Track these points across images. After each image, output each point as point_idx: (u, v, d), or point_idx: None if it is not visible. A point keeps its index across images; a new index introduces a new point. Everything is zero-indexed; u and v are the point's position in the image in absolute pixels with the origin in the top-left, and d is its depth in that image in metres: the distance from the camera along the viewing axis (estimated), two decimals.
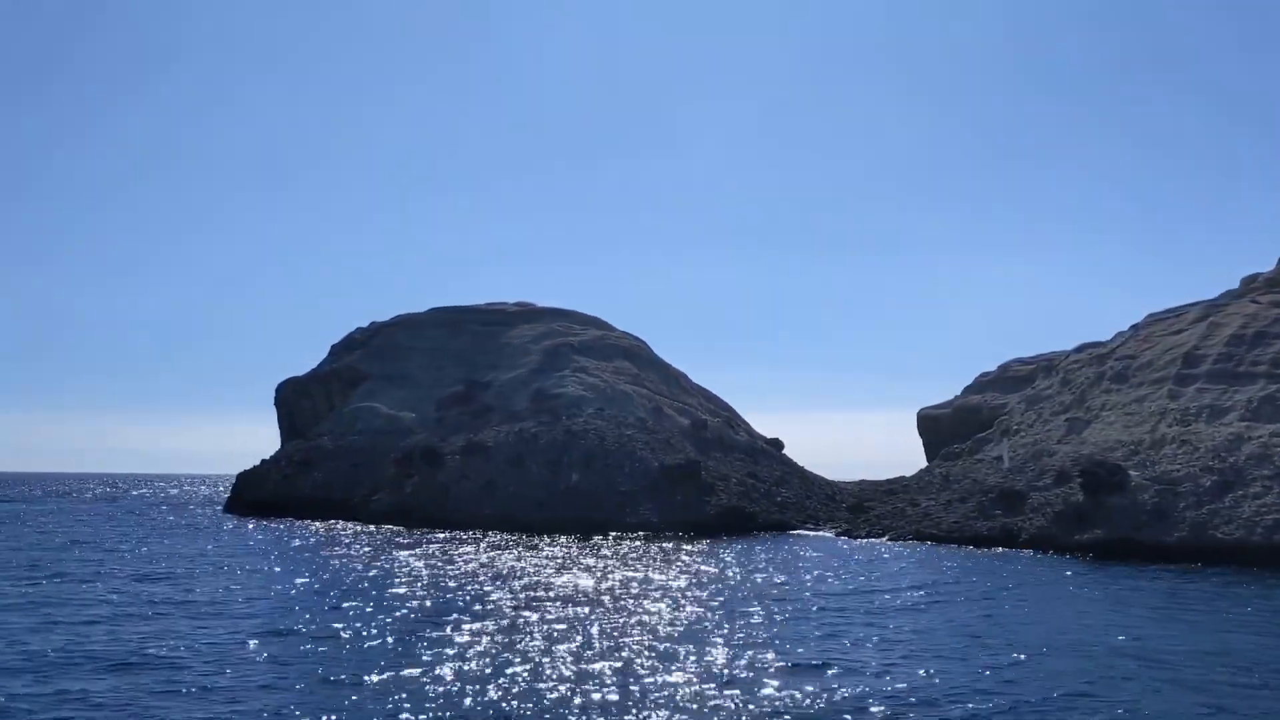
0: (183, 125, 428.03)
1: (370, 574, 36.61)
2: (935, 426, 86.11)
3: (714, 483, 65.81)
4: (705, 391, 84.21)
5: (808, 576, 37.52)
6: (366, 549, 47.35)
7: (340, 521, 72.88)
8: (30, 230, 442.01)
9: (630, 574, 37.10)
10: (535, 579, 35.19)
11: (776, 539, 57.80)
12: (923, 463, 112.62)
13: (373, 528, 62.27)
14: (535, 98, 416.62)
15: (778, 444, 79.34)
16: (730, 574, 38.01)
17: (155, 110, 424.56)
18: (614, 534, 57.70)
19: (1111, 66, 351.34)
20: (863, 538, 57.47)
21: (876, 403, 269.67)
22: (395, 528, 62.01)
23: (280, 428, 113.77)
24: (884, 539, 55.87)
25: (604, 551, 46.92)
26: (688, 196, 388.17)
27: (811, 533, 63.72)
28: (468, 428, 73.90)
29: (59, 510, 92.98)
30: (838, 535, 60.63)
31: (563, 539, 53.97)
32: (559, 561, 41.68)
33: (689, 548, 50.17)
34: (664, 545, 51.42)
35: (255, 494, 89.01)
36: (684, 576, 36.77)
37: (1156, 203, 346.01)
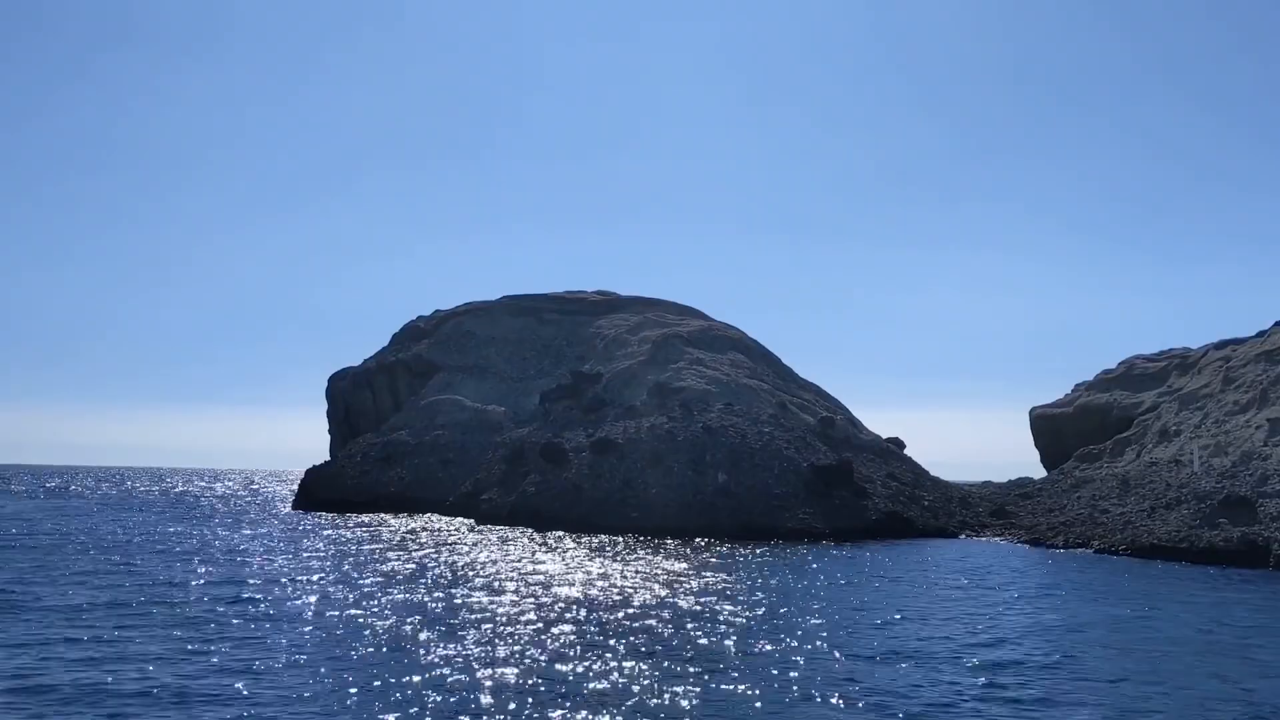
0: (237, 117, 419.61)
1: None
2: (1053, 427, 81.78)
3: (864, 485, 61.26)
4: (815, 386, 79.60)
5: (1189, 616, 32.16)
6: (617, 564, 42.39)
7: (441, 518, 67.81)
8: (72, 227, 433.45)
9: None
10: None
11: (962, 546, 53.24)
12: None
13: (491, 528, 57.11)
14: (552, 91, 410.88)
15: (899, 443, 74.85)
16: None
17: (213, 101, 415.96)
18: (778, 539, 53.02)
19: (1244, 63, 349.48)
20: (1059, 547, 52.87)
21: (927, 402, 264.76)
22: (516, 529, 56.90)
23: (331, 420, 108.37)
24: (1087, 550, 51.27)
25: (893, 564, 42.18)
26: (745, 183, 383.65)
27: (975, 539, 59.21)
28: (581, 423, 68.94)
29: (115, 505, 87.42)
30: (1018, 542, 56.07)
31: (752, 548, 49.18)
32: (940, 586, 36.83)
33: (933, 558, 45.55)
34: (874, 555, 46.78)
35: (328, 491, 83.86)
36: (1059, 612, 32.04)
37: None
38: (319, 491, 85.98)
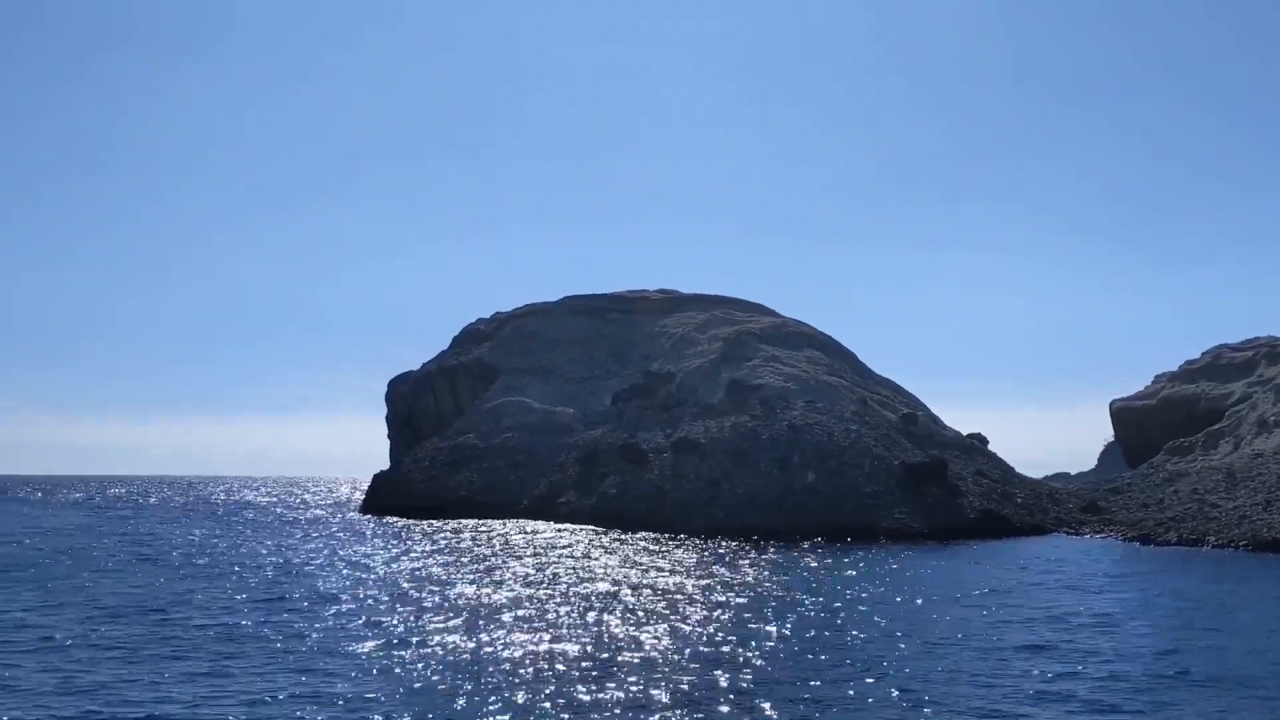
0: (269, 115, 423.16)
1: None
2: (1137, 420, 79.44)
3: (955, 483, 59.41)
4: (890, 382, 77.73)
5: None
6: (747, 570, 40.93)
7: (512, 522, 66.36)
8: (95, 230, 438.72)
9: None
10: None
11: (1070, 545, 51.31)
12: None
13: (574, 528, 55.61)
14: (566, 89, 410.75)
15: (982, 439, 72.81)
16: None
17: (227, 100, 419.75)
18: (873, 540, 51.30)
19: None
20: (1171, 544, 50.78)
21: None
22: (598, 530, 55.44)
23: (391, 425, 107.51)
24: (1201, 546, 49.17)
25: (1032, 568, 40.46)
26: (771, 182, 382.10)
27: (1074, 537, 57.21)
28: (657, 423, 67.48)
29: (179, 519, 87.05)
30: (1127, 539, 54.03)
31: (854, 548, 47.54)
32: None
33: (1042, 557, 43.74)
34: (995, 556, 45.04)
35: (396, 497, 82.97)
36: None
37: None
38: (386, 497, 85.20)
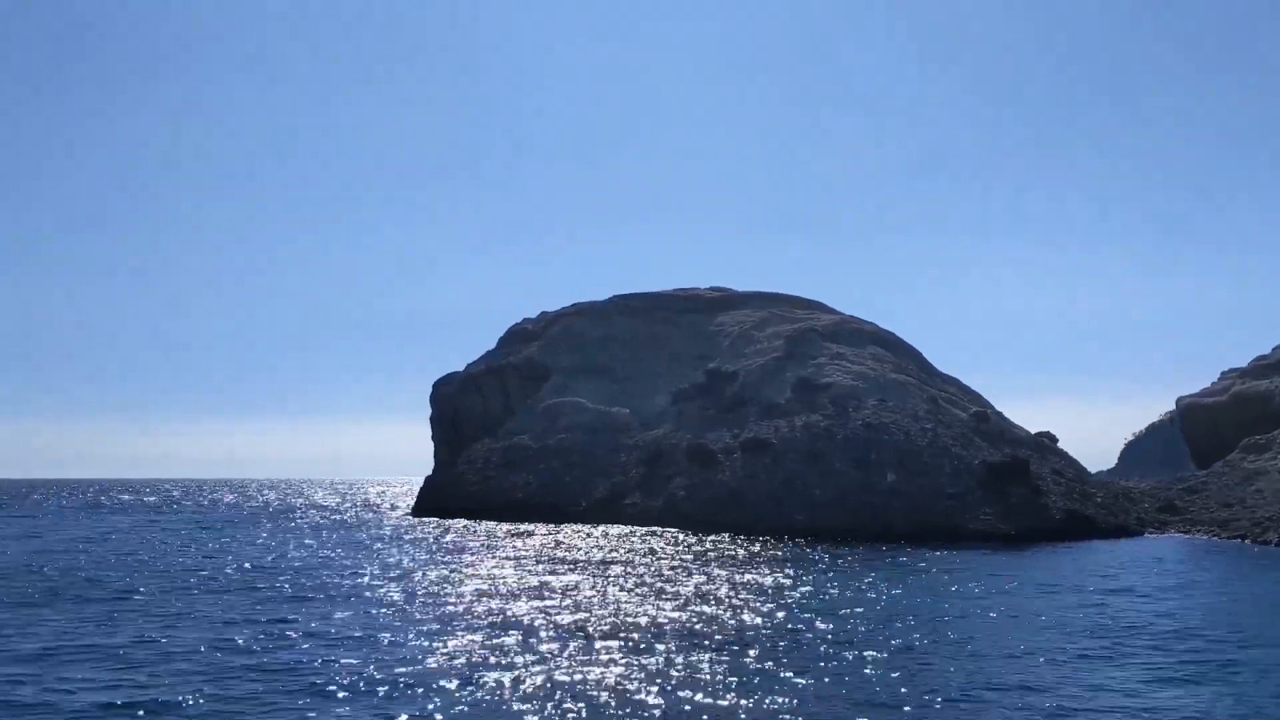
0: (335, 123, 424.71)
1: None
2: (1210, 417, 77.57)
3: (1037, 482, 57.78)
4: (954, 379, 76.10)
5: None
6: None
7: (579, 527, 64.91)
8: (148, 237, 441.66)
9: None
10: None
11: (1168, 546, 49.63)
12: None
13: (662, 530, 54.06)
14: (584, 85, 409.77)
15: (1052, 438, 71.10)
16: None
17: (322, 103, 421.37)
18: (958, 542, 49.76)
19: None
20: (1269, 544, 49.08)
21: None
22: (683, 533, 53.97)
23: (436, 426, 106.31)
24: None
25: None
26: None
27: (1160, 536, 55.54)
28: (722, 423, 66.11)
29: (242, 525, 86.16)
30: (1225, 537, 52.30)
31: (945, 551, 46.03)
32: None
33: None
34: (1094, 560, 43.48)
35: (449, 498, 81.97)
36: None
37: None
38: (439, 499, 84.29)
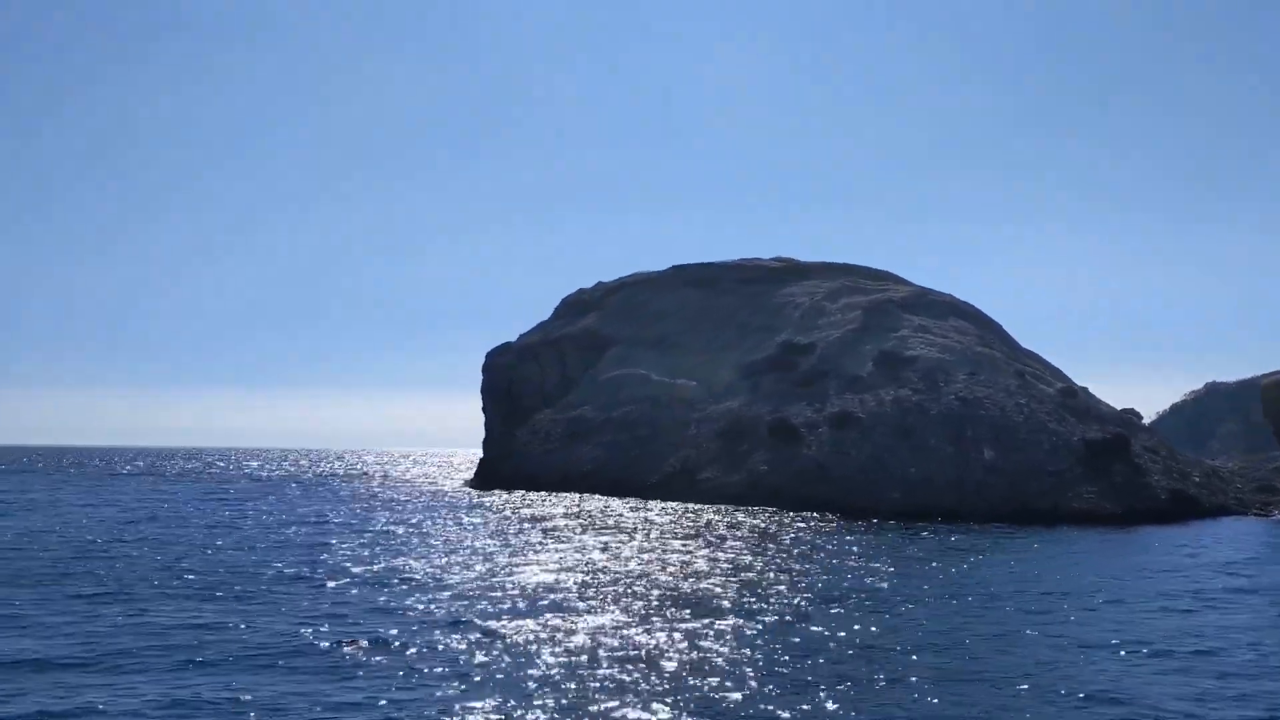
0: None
1: None
2: None
3: (1137, 460, 55.75)
4: (1035, 355, 73.91)
5: None
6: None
7: (660, 502, 63.19)
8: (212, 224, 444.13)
9: None
10: None
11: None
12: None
13: (750, 509, 52.36)
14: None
15: (1137, 415, 68.92)
16: None
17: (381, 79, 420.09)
18: (1067, 524, 47.89)
19: None
20: None
21: None
22: (775, 511, 52.28)
23: (488, 397, 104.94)
24: None
25: None
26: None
27: (1263, 519, 53.46)
28: (800, 396, 64.25)
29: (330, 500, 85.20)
30: None
31: (1058, 532, 44.20)
32: None
33: None
34: (1233, 543, 41.54)
35: (510, 470, 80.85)
36: None
37: None
38: (499, 471, 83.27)
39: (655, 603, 23.81)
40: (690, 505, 57.94)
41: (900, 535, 41.76)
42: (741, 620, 21.78)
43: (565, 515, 50.98)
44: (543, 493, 71.21)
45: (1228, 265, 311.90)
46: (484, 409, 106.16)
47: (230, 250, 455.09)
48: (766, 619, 22.09)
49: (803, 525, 45.52)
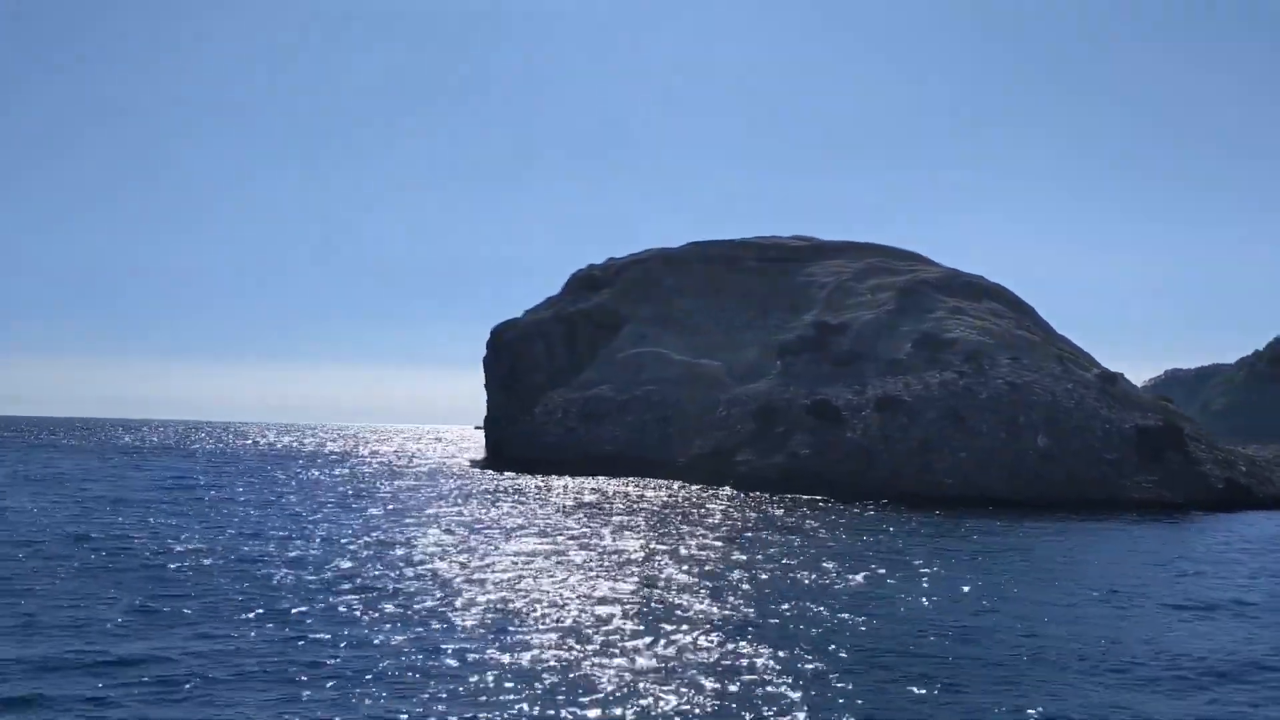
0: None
1: None
2: None
3: (1189, 449, 54.77)
4: (1067, 339, 72.84)
5: None
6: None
7: (674, 484, 61.63)
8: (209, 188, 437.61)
9: None
10: None
11: None
12: None
13: (802, 497, 50.90)
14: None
15: (1169, 401, 68.05)
16: None
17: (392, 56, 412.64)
18: (1125, 513, 46.78)
19: None
20: None
21: None
22: (822, 499, 50.81)
23: (490, 373, 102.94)
24: None
25: None
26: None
27: None
28: (836, 378, 62.83)
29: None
30: None
31: (1122, 521, 43.03)
32: None
33: None
34: None
35: (522, 450, 78.99)
36: None
37: None
38: (510, 451, 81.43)
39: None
40: (740, 492, 56.38)
41: (987, 526, 40.42)
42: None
43: (634, 510, 49.27)
44: (566, 476, 69.35)
45: (1187, 256, 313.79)
46: (486, 385, 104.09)
47: (221, 218, 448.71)
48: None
49: (893, 528, 44.08)
